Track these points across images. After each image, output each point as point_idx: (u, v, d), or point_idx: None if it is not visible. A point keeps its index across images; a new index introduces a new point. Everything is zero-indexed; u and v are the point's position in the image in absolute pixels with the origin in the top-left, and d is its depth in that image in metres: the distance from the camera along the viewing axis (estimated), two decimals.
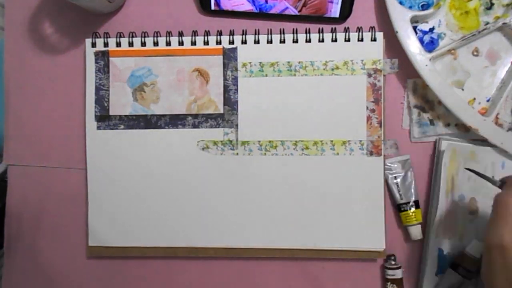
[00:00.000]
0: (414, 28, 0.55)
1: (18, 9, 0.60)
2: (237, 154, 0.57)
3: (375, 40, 0.56)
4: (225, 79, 0.57)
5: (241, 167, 0.57)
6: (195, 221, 0.58)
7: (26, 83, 0.60)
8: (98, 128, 0.58)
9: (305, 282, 0.59)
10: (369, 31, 0.56)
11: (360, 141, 0.56)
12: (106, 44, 0.58)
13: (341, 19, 0.57)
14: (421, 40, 0.55)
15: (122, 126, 0.58)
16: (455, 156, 0.56)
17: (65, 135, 0.60)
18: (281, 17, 0.57)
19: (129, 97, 0.58)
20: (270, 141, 0.57)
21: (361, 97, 0.56)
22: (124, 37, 0.58)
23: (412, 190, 0.56)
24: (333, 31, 0.56)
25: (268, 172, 0.57)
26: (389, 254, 0.57)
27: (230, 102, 0.57)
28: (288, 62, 0.57)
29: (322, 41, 0.56)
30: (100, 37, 0.58)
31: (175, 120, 0.58)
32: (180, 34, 0.58)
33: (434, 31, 0.56)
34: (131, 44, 0.58)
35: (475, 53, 0.56)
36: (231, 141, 0.57)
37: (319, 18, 0.57)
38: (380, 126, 0.56)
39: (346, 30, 0.56)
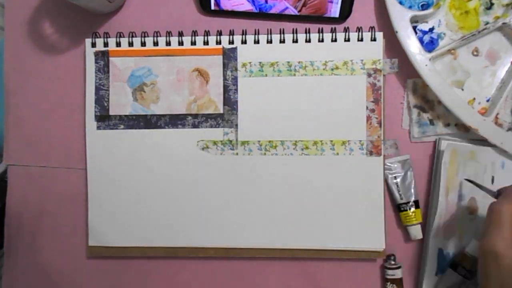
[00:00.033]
0: (414, 28, 0.55)
1: (18, 9, 0.60)
2: (237, 154, 0.57)
3: (375, 40, 0.56)
4: (225, 79, 0.57)
5: (241, 167, 0.57)
6: (195, 221, 0.58)
7: (26, 83, 0.60)
8: (98, 128, 0.58)
9: (305, 282, 0.59)
10: (369, 31, 0.56)
11: (360, 141, 0.56)
12: (106, 44, 0.58)
13: (341, 19, 0.57)
14: (421, 40, 0.55)
15: (122, 126, 0.58)
16: (455, 156, 0.56)
17: (65, 135, 0.60)
18: (281, 17, 0.57)
19: (129, 97, 0.58)
20: (270, 141, 0.57)
21: (361, 97, 0.56)
22: (124, 37, 0.58)
23: (412, 190, 0.56)
24: (333, 31, 0.56)
25: (268, 172, 0.57)
26: (389, 254, 0.57)
27: (230, 102, 0.57)
28: (288, 62, 0.57)
29: (322, 41, 0.56)
30: (100, 37, 0.58)
31: (175, 120, 0.58)
32: (180, 34, 0.58)
33: (434, 31, 0.56)
34: (131, 44, 0.58)
35: (475, 53, 0.56)
36: (231, 141, 0.57)
37: (319, 18, 0.57)
38: (380, 126, 0.56)
39: (346, 30, 0.56)
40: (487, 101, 0.57)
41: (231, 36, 0.57)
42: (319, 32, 0.56)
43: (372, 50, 0.56)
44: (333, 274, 0.58)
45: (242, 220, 0.57)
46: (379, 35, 0.56)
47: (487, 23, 0.56)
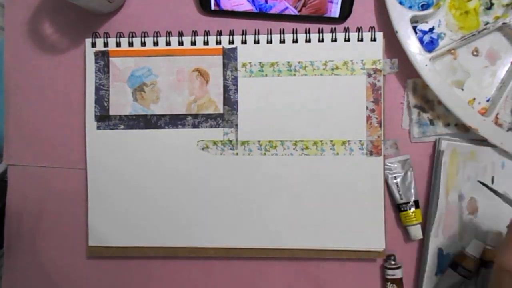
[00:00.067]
0: (414, 28, 0.55)
1: (18, 9, 0.60)
2: (237, 154, 0.57)
3: (375, 40, 0.56)
4: (225, 79, 0.57)
5: (241, 167, 0.57)
6: (195, 221, 0.58)
7: (26, 83, 0.60)
8: (98, 128, 0.58)
9: (305, 282, 0.59)
10: (369, 31, 0.56)
11: (360, 141, 0.56)
12: (106, 44, 0.58)
13: (341, 19, 0.57)
14: (421, 40, 0.55)
15: (122, 126, 0.58)
16: (455, 156, 0.56)
17: (65, 135, 0.60)
18: (281, 17, 0.57)
19: (129, 97, 0.58)
20: (270, 141, 0.57)
21: (361, 97, 0.56)
22: (124, 37, 0.58)
23: (412, 190, 0.56)
24: (333, 31, 0.56)
25: (268, 172, 0.57)
26: (389, 254, 0.57)
27: (230, 102, 0.57)
28: (288, 62, 0.57)
29: (322, 41, 0.56)
30: (100, 37, 0.58)
31: (175, 120, 0.58)
32: (180, 34, 0.58)
33: (434, 31, 0.56)
34: (131, 44, 0.58)
35: (475, 53, 0.56)
36: (231, 141, 0.57)
37: (319, 18, 0.57)
38: (380, 126, 0.56)
39: (346, 30, 0.56)
40: (487, 101, 0.57)
41: (231, 36, 0.57)
42: (319, 32, 0.56)
43: (372, 50, 0.56)
44: (333, 274, 0.58)
45: (242, 220, 0.57)
46: (379, 35, 0.56)
47: (487, 23, 0.56)
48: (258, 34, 0.57)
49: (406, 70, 0.56)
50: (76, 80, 0.59)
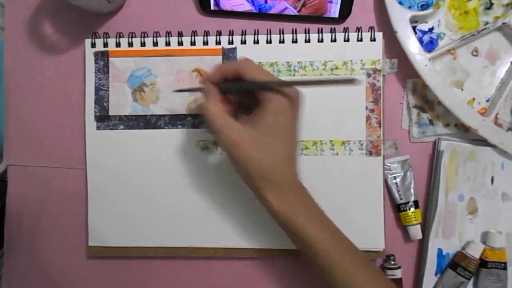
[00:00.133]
0: (414, 28, 0.55)
1: (18, 9, 0.60)
2: None
3: (374, 40, 0.56)
4: None
5: None
6: (195, 221, 0.58)
7: (26, 83, 0.60)
8: (98, 128, 0.58)
9: (305, 282, 0.59)
10: (368, 31, 0.56)
11: (360, 141, 0.56)
12: (105, 44, 0.58)
13: (341, 19, 0.57)
14: (420, 40, 0.55)
15: (121, 126, 0.58)
16: (454, 156, 0.56)
17: (65, 135, 0.60)
18: (280, 17, 0.57)
19: (129, 97, 0.58)
20: None
21: (360, 97, 0.56)
22: (123, 37, 0.58)
23: (412, 190, 0.56)
24: (333, 31, 0.56)
25: None
26: (389, 254, 0.57)
27: None
28: (288, 62, 0.57)
29: (322, 41, 0.56)
30: (100, 37, 0.58)
31: (174, 120, 0.58)
32: (180, 34, 0.58)
33: (434, 31, 0.56)
34: (130, 44, 0.58)
35: (475, 53, 0.56)
36: None
37: (319, 18, 0.57)
38: (380, 126, 0.56)
39: (346, 30, 0.56)
40: (487, 101, 0.57)
41: (230, 36, 0.57)
42: (318, 32, 0.56)
43: (372, 50, 0.56)
44: None
45: (242, 220, 0.57)
46: (379, 35, 0.56)
47: (486, 23, 0.56)
48: (258, 34, 0.57)
49: (406, 70, 0.56)
50: (76, 80, 0.59)
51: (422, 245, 0.57)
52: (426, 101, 0.57)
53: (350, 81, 0.43)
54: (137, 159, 0.58)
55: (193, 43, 0.58)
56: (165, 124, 0.58)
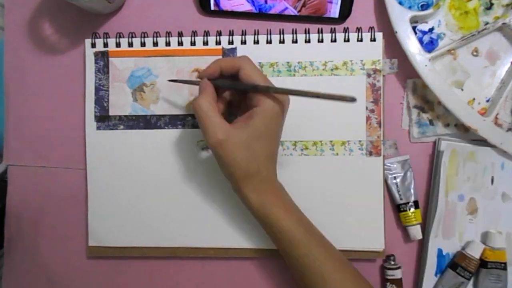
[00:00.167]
0: (414, 28, 0.55)
1: (18, 9, 0.60)
2: None
3: (374, 40, 0.56)
4: None
5: None
6: (195, 221, 0.58)
7: (26, 83, 0.60)
8: (98, 128, 0.58)
9: None
10: (368, 31, 0.56)
11: (360, 141, 0.56)
12: (105, 45, 0.58)
13: (341, 19, 0.57)
14: (420, 40, 0.55)
15: (121, 127, 0.58)
16: (454, 156, 0.56)
17: (65, 135, 0.60)
18: (280, 17, 0.57)
19: (129, 98, 0.58)
20: None
21: (360, 98, 0.56)
22: (123, 37, 0.58)
23: (412, 190, 0.56)
24: (333, 31, 0.56)
25: None
26: (389, 254, 0.57)
27: None
28: (288, 62, 0.57)
29: (322, 41, 0.56)
30: (100, 38, 0.58)
31: (175, 120, 0.58)
32: (180, 35, 0.58)
33: (434, 31, 0.56)
34: (130, 44, 0.58)
35: (475, 53, 0.56)
36: None
37: (319, 19, 0.57)
38: (380, 126, 0.56)
39: (346, 30, 0.56)
40: (487, 101, 0.57)
41: (230, 37, 0.57)
42: (318, 33, 0.56)
43: (372, 50, 0.56)
44: None
45: (242, 220, 0.57)
46: (379, 36, 0.56)
47: (487, 23, 0.56)
48: (258, 34, 0.57)
49: (406, 71, 0.56)
50: (76, 80, 0.59)
51: (422, 245, 0.57)
52: (426, 101, 0.57)
53: (348, 99, 0.44)
54: (137, 159, 0.58)
55: (193, 43, 0.58)
56: (165, 124, 0.58)
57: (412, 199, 0.56)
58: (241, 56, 0.51)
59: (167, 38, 0.58)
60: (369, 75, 0.56)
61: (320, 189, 0.57)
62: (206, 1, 0.57)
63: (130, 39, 0.58)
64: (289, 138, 0.57)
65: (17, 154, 0.61)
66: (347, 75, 0.56)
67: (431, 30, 0.56)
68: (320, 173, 0.57)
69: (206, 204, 0.58)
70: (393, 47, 0.55)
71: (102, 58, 0.58)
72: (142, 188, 0.58)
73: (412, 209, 0.56)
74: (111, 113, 0.58)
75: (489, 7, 0.56)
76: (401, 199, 0.56)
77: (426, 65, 0.53)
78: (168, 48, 0.58)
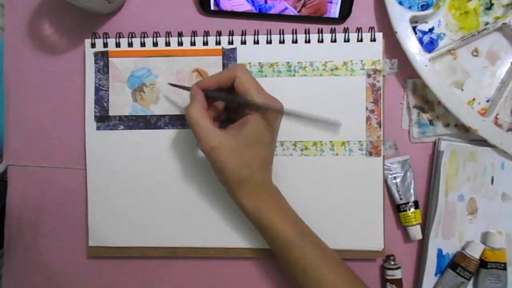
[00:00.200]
0: (414, 28, 0.55)
1: (18, 9, 0.60)
2: None
3: (374, 40, 0.56)
4: None
5: None
6: (194, 221, 0.58)
7: (26, 83, 0.60)
8: (98, 128, 0.58)
9: None
10: (368, 32, 0.56)
11: (360, 141, 0.56)
12: (105, 45, 0.58)
13: (341, 20, 0.57)
14: (420, 41, 0.55)
15: (121, 127, 0.58)
16: (454, 156, 0.56)
17: (65, 135, 0.60)
18: (280, 17, 0.57)
19: (129, 98, 0.58)
20: None
21: (360, 98, 0.56)
22: (123, 37, 0.58)
23: (412, 191, 0.56)
24: (333, 31, 0.56)
25: None
26: (389, 254, 0.57)
27: None
28: (288, 62, 0.57)
29: (322, 41, 0.56)
30: (100, 38, 0.58)
31: (174, 121, 0.58)
32: (180, 35, 0.58)
33: (434, 31, 0.56)
34: (130, 44, 0.58)
35: (475, 54, 0.56)
36: None
37: (319, 19, 0.57)
38: (380, 127, 0.56)
39: (346, 30, 0.56)
40: (487, 101, 0.57)
41: (230, 37, 0.57)
42: (318, 33, 0.56)
43: (372, 50, 0.56)
44: None
45: (242, 220, 0.57)
46: (379, 36, 0.56)
47: (487, 23, 0.56)
48: (258, 34, 0.57)
49: (406, 71, 0.56)
50: (76, 80, 0.60)
51: (422, 245, 0.57)
52: (426, 101, 0.57)
53: (332, 123, 0.46)
54: (137, 159, 0.58)
55: (193, 43, 0.58)
56: (165, 124, 0.58)
57: (412, 199, 0.56)
58: (236, 65, 0.52)
59: (167, 38, 0.58)
60: (369, 75, 0.56)
61: (320, 189, 0.57)
62: (206, 1, 0.57)
63: (130, 39, 0.58)
64: (289, 138, 0.57)
65: (17, 154, 0.61)
66: (347, 75, 0.56)
67: (431, 30, 0.56)
68: (320, 173, 0.57)
69: (206, 204, 0.58)
70: (393, 47, 0.55)
71: (102, 58, 0.58)
72: (142, 188, 0.58)
73: (412, 209, 0.56)
74: (111, 113, 0.58)
75: (489, 7, 0.56)
76: (401, 199, 0.56)
77: (426, 65, 0.53)
78: (168, 48, 0.58)
